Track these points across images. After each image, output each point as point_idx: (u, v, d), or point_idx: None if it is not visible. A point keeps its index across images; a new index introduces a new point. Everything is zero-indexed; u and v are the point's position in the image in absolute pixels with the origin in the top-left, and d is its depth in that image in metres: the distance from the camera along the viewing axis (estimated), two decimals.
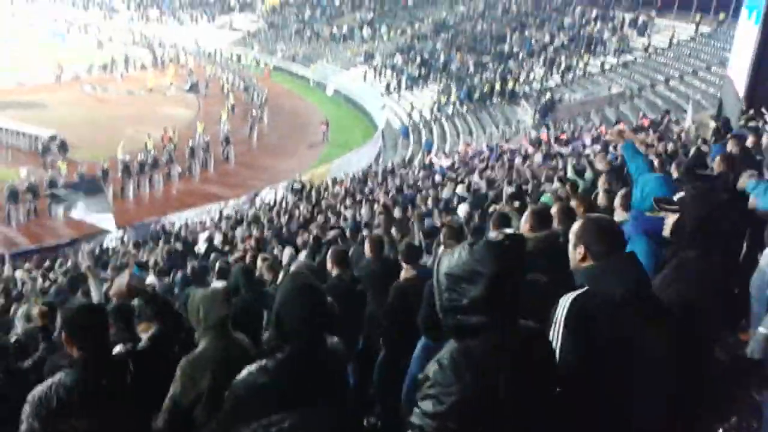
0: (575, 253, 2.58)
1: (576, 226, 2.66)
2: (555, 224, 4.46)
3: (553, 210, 4.67)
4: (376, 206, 12.91)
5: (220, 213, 20.06)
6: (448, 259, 2.10)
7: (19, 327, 7.54)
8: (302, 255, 8.35)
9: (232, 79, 41.45)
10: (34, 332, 5.37)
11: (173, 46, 49.69)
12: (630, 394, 2.31)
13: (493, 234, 2.24)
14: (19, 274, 13.60)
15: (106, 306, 4.04)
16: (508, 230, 3.63)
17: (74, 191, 15.03)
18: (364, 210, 13.97)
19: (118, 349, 3.20)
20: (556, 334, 2.33)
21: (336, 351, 2.81)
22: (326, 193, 19.64)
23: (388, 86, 39.14)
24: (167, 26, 55.31)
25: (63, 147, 24.53)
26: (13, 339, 5.92)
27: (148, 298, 3.40)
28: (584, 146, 18.35)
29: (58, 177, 21.46)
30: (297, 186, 21.57)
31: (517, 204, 8.07)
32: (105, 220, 14.66)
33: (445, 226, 6.70)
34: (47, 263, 14.76)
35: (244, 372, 2.61)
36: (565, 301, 2.39)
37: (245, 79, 41.19)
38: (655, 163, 8.18)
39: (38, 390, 2.78)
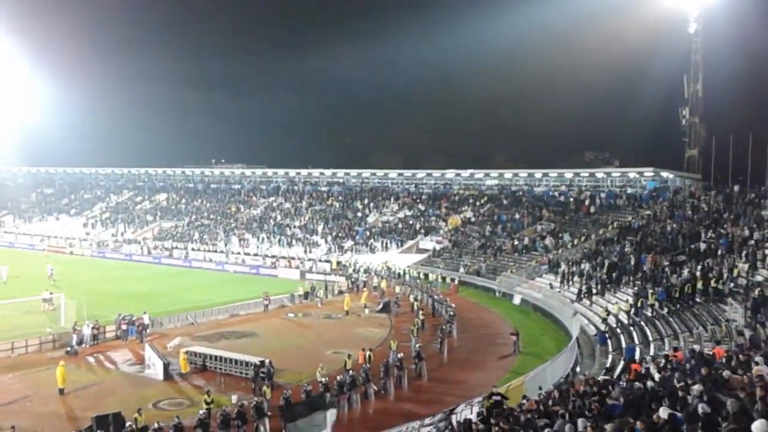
0: None
1: None
2: None
3: None
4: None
5: None
6: None
7: None
8: None
9: (421, 296, 42.92)
10: None
11: (366, 270, 53.21)
12: None
13: None
14: None
15: None
16: None
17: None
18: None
19: None
20: None
21: None
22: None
23: (579, 292, 38.18)
24: (360, 254, 59.82)
25: (269, 373, 26.15)
26: None
27: None
28: None
29: (264, 401, 22.59)
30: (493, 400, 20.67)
31: None
32: None
33: None
34: None
35: None
36: None
37: (433, 296, 42.40)
38: None
39: None
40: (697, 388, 13.00)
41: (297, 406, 20.40)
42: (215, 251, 66.09)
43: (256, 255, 63.28)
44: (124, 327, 33.61)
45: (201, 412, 20.93)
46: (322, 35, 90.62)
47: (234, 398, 23.75)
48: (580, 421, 12.43)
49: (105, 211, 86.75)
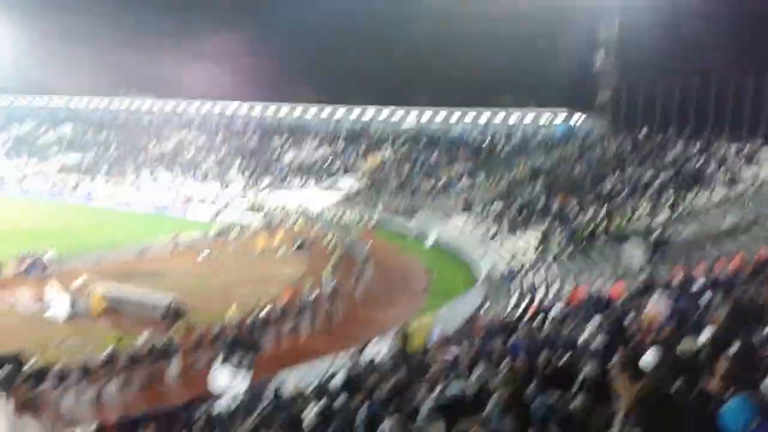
0: None
1: None
2: None
3: None
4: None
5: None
6: None
7: None
8: None
9: (337, 235, 42.99)
10: None
11: (282, 209, 52.64)
12: None
13: None
14: None
15: None
16: None
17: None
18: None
19: None
20: None
21: None
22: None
23: (489, 232, 39.25)
24: (277, 192, 59.04)
25: (178, 312, 25.72)
26: None
27: None
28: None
29: (175, 340, 22.25)
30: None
31: None
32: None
33: None
34: None
35: None
36: None
37: (348, 236, 42.51)
38: None
39: None
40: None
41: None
42: (123, 185, 63.43)
43: (167, 190, 61.23)
44: (25, 265, 32.14)
45: (107, 350, 20.45)
46: None
47: (142, 337, 23.29)
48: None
49: (6, 142, 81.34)
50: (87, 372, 19.18)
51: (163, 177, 65.56)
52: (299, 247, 40.37)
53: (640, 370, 7.12)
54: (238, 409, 17.23)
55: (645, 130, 47.39)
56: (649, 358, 7.96)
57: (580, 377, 7.90)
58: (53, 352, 21.42)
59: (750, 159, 35.75)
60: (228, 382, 18.00)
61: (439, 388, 10.00)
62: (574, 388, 7.54)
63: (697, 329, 9.80)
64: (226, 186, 61.63)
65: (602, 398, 6.52)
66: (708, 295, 15.15)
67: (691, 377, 5.98)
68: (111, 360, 20.02)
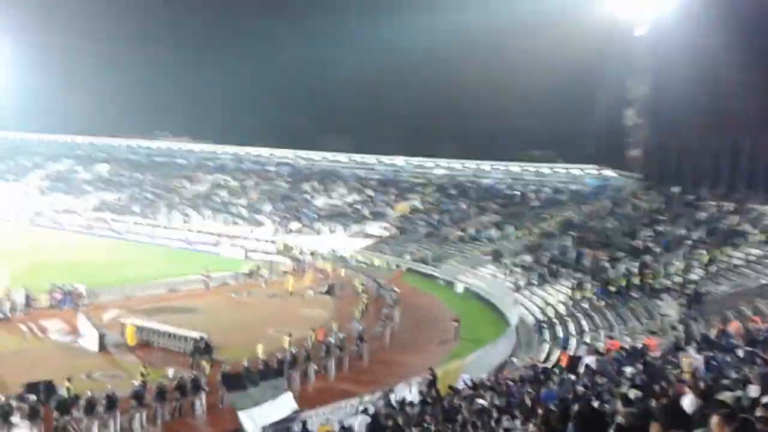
0: None
1: None
2: None
3: None
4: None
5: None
6: None
7: None
8: None
9: (365, 280, 43.02)
10: None
11: (312, 253, 52.91)
12: None
13: None
14: None
15: None
16: None
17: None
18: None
19: None
20: None
21: None
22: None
23: (516, 284, 39.00)
24: (306, 236, 59.44)
25: (208, 348, 25.82)
26: None
27: None
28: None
29: (202, 376, 22.30)
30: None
31: None
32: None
33: None
34: None
35: None
36: None
37: (377, 280, 42.48)
38: None
39: None
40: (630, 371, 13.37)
41: (241, 377, 20.15)
42: (156, 226, 64.51)
43: (199, 232, 62.09)
44: (59, 296, 32.66)
45: (136, 383, 20.57)
46: (296, 10, 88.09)
47: (170, 372, 23.37)
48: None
49: (44, 180, 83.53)
50: (115, 403, 19.28)
51: (196, 217, 66.56)
52: (328, 291, 40.45)
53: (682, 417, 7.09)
54: None
55: (678, 188, 47.17)
56: (686, 403, 7.89)
57: (613, 425, 7.86)
58: (83, 383, 21.65)
59: None
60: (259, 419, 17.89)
61: None
62: None
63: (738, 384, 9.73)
64: (257, 228, 62.27)
65: None
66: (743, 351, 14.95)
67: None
68: (139, 393, 20.11)
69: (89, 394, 19.19)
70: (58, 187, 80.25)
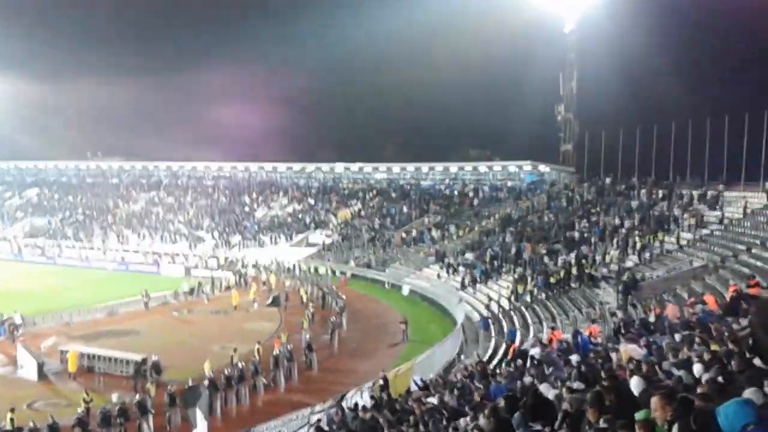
0: None
1: None
2: None
3: None
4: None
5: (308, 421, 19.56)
6: None
7: None
8: None
9: (310, 289, 42.73)
10: None
11: (255, 265, 52.20)
12: None
13: None
14: None
15: None
16: None
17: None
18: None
19: None
20: None
21: None
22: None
23: (463, 282, 39.47)
24: (249, 249, 58.61)
25: (156, 369, 25.22)
26: None
27: None
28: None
29: (147, 399, 21.72)
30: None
31: None
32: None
33: None
34: None
35: None
36: None
37: (323, 288, 42.27)
38: None
39: None
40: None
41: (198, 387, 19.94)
42: (91, 248, 62.38)
43: (136, 252, 60.40)
44: None
45: (79, 410, 19.97)
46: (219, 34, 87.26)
47: (114, 397, 22.75)
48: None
49: None
50: (57, 430, 18.68)
51: (132, 237, 64.73)
52: (273, 302, 39.99)
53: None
54: None
55: (609, 179, 48.58)
56: (634, 385, 8.16)
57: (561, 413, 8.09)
58: (25, 413, 20.91)
59: (714, 203, 36.77)
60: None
61: None
62: (557, 424, 7.77)
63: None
64: (197, 244, 61.06)
65: None
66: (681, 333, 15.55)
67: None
68: (83, 419, 19.49)
69: (32, 424, 18.67)
70: None
